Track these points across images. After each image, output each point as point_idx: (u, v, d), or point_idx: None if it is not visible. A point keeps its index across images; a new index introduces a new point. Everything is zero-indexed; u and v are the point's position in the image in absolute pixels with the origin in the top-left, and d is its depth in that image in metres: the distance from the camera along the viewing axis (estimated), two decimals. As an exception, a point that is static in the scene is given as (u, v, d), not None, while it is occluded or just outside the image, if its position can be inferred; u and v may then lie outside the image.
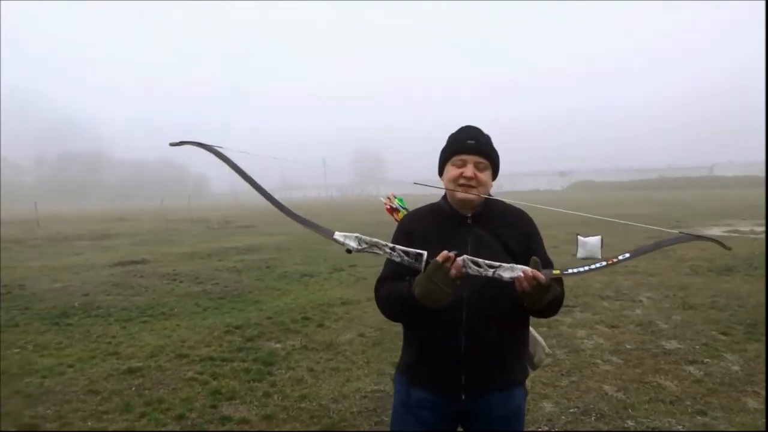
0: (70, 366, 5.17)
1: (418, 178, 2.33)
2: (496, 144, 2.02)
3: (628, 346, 5.39)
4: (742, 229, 17.17)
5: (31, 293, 8.92)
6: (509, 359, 1.92)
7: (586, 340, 5.65)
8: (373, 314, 6.73)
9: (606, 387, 4.37)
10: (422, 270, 1.68)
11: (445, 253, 1.63)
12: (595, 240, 11.84)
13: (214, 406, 4.17)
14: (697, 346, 5.31)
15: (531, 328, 2.09)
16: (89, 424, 3.92)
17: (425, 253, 1.68)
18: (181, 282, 9.91)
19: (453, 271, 1.62)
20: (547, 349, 2.21)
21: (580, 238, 12.05)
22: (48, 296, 8.61)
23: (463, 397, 1.87)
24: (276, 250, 15.08)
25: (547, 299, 1.71)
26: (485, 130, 2.03)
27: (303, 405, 4.19)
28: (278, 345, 5.81)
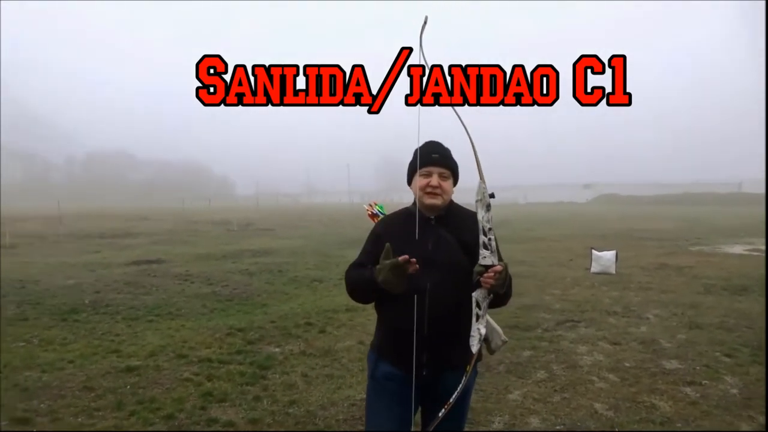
0: (71, 362, 5.27)
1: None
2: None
3: (627, 364, 5.31)
4: (763, 248, 16.80)
5: (44, 289, 9.11)
6: (462, 342, 2.14)
7: (585, 356, 5.58)
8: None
9: (597, 405, 4.31)
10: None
11: (406, 257, 2.01)
12: (609, 255, 11.71)
13: (203, 408, 4.21)
14: (698, 367, 5.21)
15: (488, 317, 2.26)
16: (80, 420, 3.98)
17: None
18: (192, 283, 10.03)
19: (410, 270, 2.03)
20: (503, 336, 2.44)
21: (594, 252, 11.92)
22: (60, 292, 8.78)
23: (425, 373, 2.17)
24: (291, 254, 15.20)
25: (505, 286, 2.12)
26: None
27: (291, 410, 4.21)
28: (277, 349, 5.84)
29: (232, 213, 35.01)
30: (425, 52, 2.17)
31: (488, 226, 2.09)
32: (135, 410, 4.15)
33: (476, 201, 2.12)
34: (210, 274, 11.10)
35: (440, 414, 2.11)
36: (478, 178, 2.12)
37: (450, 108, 2.29)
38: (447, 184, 2.26)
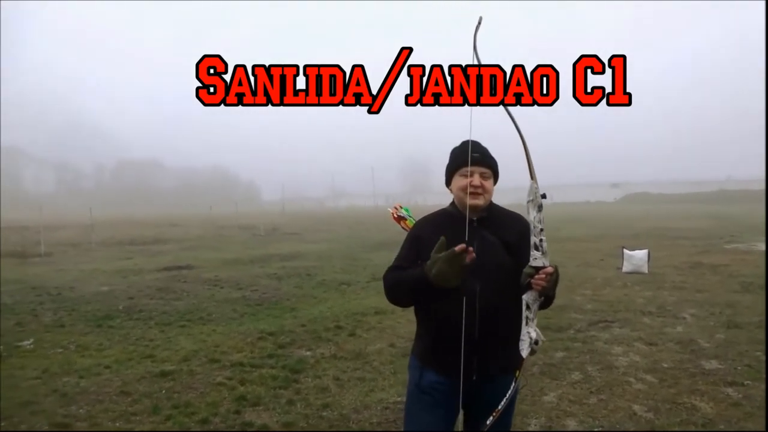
0: (107, 367, 5.35)
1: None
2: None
3: (665, 365, 5.20)
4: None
5: (79, 295, 9.29)
6: (511, 345, 2.08)
7: (621, 357, 5.48)
8: (406, 324, 6.72)
9: (636, 407, 4.22)
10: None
11: (463, 245, 1.93)
12: (641, 254, 11.50)
13: (237, 412, 4.24)
14: (739, 367, 5.07)
15: None
16: (117, 424, 4.04)
17: None
18: (221, 288, 10.13)
19: (467, 259, 1.95)
20: (541, 337, 2.34)
21: (626, 251, 11.72)
22: (95, 299, 8.94)
23: (475, 378, 2.14)
24: (318, 258, 15.26)
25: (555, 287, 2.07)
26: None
27: (324, 414, 4.21)
28: (308, 353, 5.86)
29: (258, 218, 35.29)
30: (478, 54, 2.17)
31: (540, 226, 2.04)
32: (171, 414, 4.19)
33: (528, 201, 2.08)
34: (239, 278, 11.21)
35: (488, 422, 2.05)
36: (530, 178, 2.09)
37: (502, 108, 2.27)
38: (488, 183, 2.23)
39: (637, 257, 11.44)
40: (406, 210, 3.34)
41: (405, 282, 2.16)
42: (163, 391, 4.70)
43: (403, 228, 3.14)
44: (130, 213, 64.04)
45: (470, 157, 2.17)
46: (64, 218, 38.88)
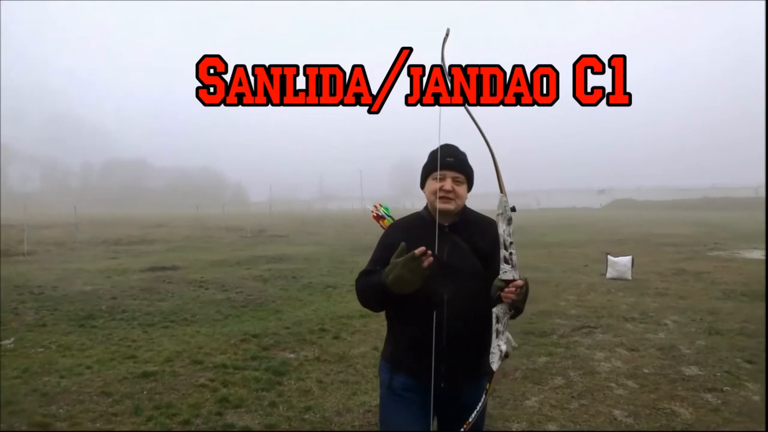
0: (89, 367, 5.31)
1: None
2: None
3: (646, 371, 5.25)
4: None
5: (62, 295, 9.20)
6: (481, 353, 2.08)
7: (603, 363, 5.52)
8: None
9: (616, 412, 4.26)
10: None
11: (422, 248, 1.90)
12: (625, 260, 11.60)
13: (219, 414, 4.22)
14: (719, 373, 5.13)
15: None
16: (98, 425, 4.01)
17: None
18: (206, 289, 10.09)
19: (425, 263, 1.91)
20: (513, 342, 2.33)
21: (610, 257, 11.81)
22: (78, 299, 8.86)
23: (442, 385, 2.11)
24: (305, 261, 15.23)
25: (525, 301, 2.04)
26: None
27: (306, 416, 4.21)
28: (292, 355, 5.85)
29: (246, 219, 35.15)
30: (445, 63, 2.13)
31: (509, 240, 2.02)
32: (152, 415, 4.16)
33: (497, 215, 2.06)
34: (224, 280, 11.16)
35: None
36: (500, 191, 2.07)
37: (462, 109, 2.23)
38: (461, 189, 2.19)
39: (621, 263, 11.53)
40: (386, 209, 3.34)
41: (369, 288, 2.14)
42: (145, 392, 4.67)
43: (382, 227, 3.15)
44: (117, 212, 63.56)
45: (441, 162, 2.16)
46: (49, 216, 38.49)
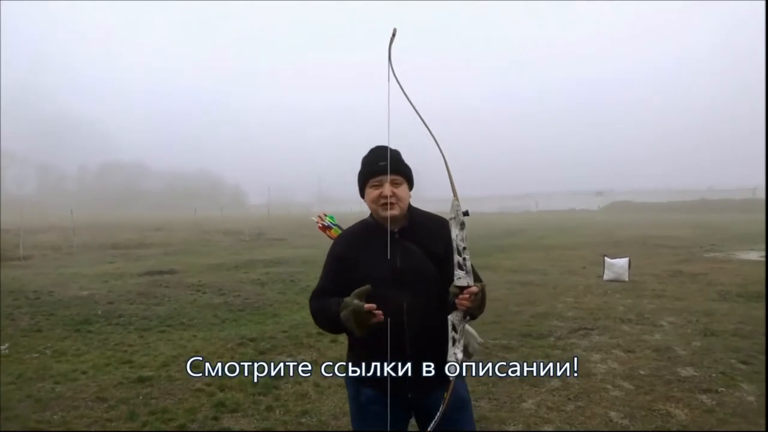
0: (84, 373, 5.30)
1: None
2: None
3: (642, 372, 5.25)
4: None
5: (58, 299, 9.19)
6: (444, 357, 2.01)
7: (599, 365, 5.52)
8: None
9: (612, 413, 4.26)
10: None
11: (372, 305, 1.86)
12: (622, 262, 11.61)
13: (215, 418, 4.22)
14: (714, 375, 5.14)
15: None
16: (93, 430, 4.00)
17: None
18: (204, 293, 10.08)
19: (373, 320, 1.87)
20: (479, 339, 2.32)
21: (607, 259, 11.83)
22: (74, 303, 8.85)
23: (410, 395, 2.09)
24: (302, 264, 15.22)
25: (482, 308, 2.00)
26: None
27: (303, 420, 4.20)
28: (289, 359, 5.84)
29: (244, 222, 35.11)
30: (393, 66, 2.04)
31: (463, 245, 1.95)
32: (147, 421, 4.16)
33: (450, 219, 1.99)
34: (222, 284, 11.15)
35: None
36: (452, 195, 2.00)
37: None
38: (401, 190, 2.11)
39: (618, 265, 11.54)
40: (331, 218, 3.27)
41: (323, 315, 2.09)
42: (141, 397, 4.66)
43: (330, 237, 3.13)
44: (114, 216, 63.44)
45: (374, 168, 2.11)
46: (45, 220, 38.38)
